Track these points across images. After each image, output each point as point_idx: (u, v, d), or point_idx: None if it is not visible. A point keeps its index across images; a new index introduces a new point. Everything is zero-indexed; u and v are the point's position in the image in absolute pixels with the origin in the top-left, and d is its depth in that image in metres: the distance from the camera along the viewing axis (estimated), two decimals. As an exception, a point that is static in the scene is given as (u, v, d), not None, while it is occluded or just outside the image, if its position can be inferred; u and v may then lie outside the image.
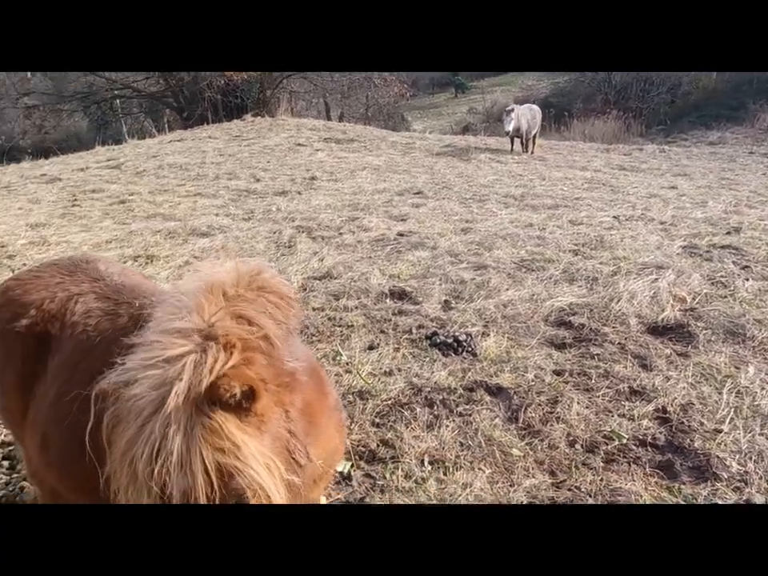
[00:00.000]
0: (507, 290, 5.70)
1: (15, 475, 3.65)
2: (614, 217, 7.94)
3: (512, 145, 15.57)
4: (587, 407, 3.95)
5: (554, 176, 11.21)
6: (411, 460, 3.58)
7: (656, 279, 5.56)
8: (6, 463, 3.74)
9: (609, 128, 23.76)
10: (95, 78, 26.14)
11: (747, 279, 5.50)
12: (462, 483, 3.38)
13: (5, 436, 3.99)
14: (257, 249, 7.31)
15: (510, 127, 14.35)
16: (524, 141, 15.32)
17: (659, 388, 4.06)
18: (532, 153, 15.24)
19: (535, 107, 16.40)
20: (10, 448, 3.86)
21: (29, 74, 26.03)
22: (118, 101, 29.19)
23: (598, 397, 4.04)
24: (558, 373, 4.35)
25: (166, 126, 23.02)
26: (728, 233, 6.93)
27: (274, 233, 7.94)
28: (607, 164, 13.22)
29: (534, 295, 5.55)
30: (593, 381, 4.21)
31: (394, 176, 11.59)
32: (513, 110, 14.65)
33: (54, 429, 2.28)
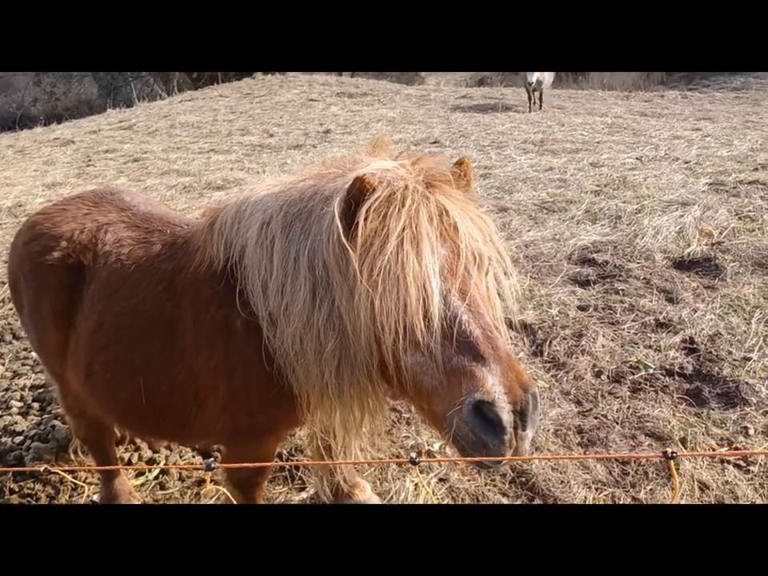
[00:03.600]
0: (529, 231, 5.61)
1: (46, 416, 3.72)
2: (637, 158, 7.74)
3: (530, 101, 13.58)
4: (612, 340, 3.91)
5: (574, 122, 10.94)
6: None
7: (681, 215, 5.43)
8: (36, 405, 3.80)
9: (628, 76, 23.05)
10: (103, 41, 25.85)
11: (776, 213, 5.36)
12: (488, 414, 3.38)
13: (33, 380, 4.05)
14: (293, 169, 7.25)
15: (534, 78, 12.66)
16: (541, 94, 13.59)
17: (686, 320, 4.00)
18: (541, 108, 13.63)
19: None
20: (40, 391, 3.93)
21: (37, 39, 25.80)
22: (127, 64, 28.88)
23: (624, 330, 3.99)
24: (582, 308, 4.30)
25: (176, 87, 22.73)
26: (755, 169, 6.72)
27: (290, 184, 7.87)
28: (628, 110, 12.85)
29: (556, 235, 5.45)
30: (618, 315, 4.16)
31: (410, 127, 11.39)
32: None
33: (97, 356, 2.31)
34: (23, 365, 4.27)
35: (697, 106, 14.11)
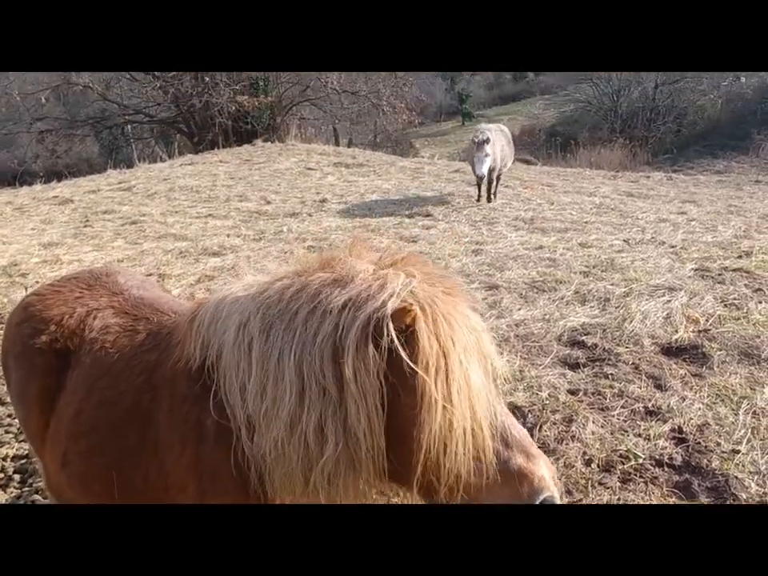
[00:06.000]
0: (519, 309, 5.69)
1: (26, 489, 3.64)
2: (624, 240, 7.96)
3: (479, 190, 11.00)
4: (602, 426, 3.92)
5: (563, 200, 11.25)
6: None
7: (669, 300, 5.55)
8: (17, 477, 3.73)
9: (615, 156, 23.90)
10: (108, 104, 26.62)
11: (760, 302, 5.48)
12: (477, 501, 3.34)
13: (17, 450, 3.98)
14: (268, 268, 7.33)
15: (485, 169, 10.17)
16: (492, 179, 10.99)
17: (674, 408, 4.03)
18: (490, 199, 11.04)
19: (506, 129, 12.14)
20: (22, 462, 3.86)
21: (43, 98, 26.45)
22: (129, 126, 29.64)
23: (613, 416, 4.01)
24: (572, 392, 4.32)
25: (177, 150, 23.28)
26: (739, 257, 6.92)
27: (285, 252, 7.99)
28: (615, 190, 13.25)
29: (546, 315, 5.54)
30: (607, 400, 4.18)
31: (404, 199, 11.67)
32: (488, 140, 10.23)
33: (74, 445, 2.30)
34: (6, 432, 4.20)
35: (681, 188, 14.61)
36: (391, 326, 1.62)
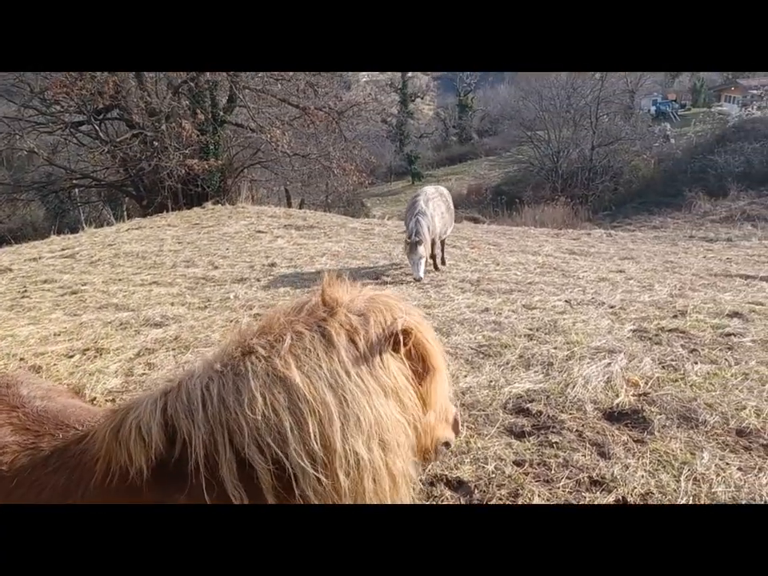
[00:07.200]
0: (465, 376, 5.69)
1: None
2: (566, 301, 8.14)
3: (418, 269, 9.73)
4: (548, 500, 3.88)
5: (508, 261, 11.52)
6: (369, 564, 3.41)
7: (609, 363, 5.64)
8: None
9: (558, 213, 24.88)
10: (54, 168, 26.28)
11: (696, 362, 5.64)
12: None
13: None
14: (212, 338, 7.18)
15: (422, 272, 9.65)
16: (436, 249, 10.49)
17: (618, 477, 4.03)
18: (441, 265, 10.84)
19: (445, 191, 11.49)
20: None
21: (-15, 164, 25.99)
22: (76, 190, 29.23)
23: (559, 488, 3.98)
24: (518, 463, 4.29)
25: (125, 214, 22.99)
26: (675, 316, 7.15)
27: (231, 321, 7.84)
28: (558, 248, 13.68)
29: (492, 382, 5.55)
30: (552, 471, 4.16)
31: (353, 261, 11.74)
32: (420, 241, 9.58)
33: None
34: None
35: (620, 245, 15.19)
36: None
